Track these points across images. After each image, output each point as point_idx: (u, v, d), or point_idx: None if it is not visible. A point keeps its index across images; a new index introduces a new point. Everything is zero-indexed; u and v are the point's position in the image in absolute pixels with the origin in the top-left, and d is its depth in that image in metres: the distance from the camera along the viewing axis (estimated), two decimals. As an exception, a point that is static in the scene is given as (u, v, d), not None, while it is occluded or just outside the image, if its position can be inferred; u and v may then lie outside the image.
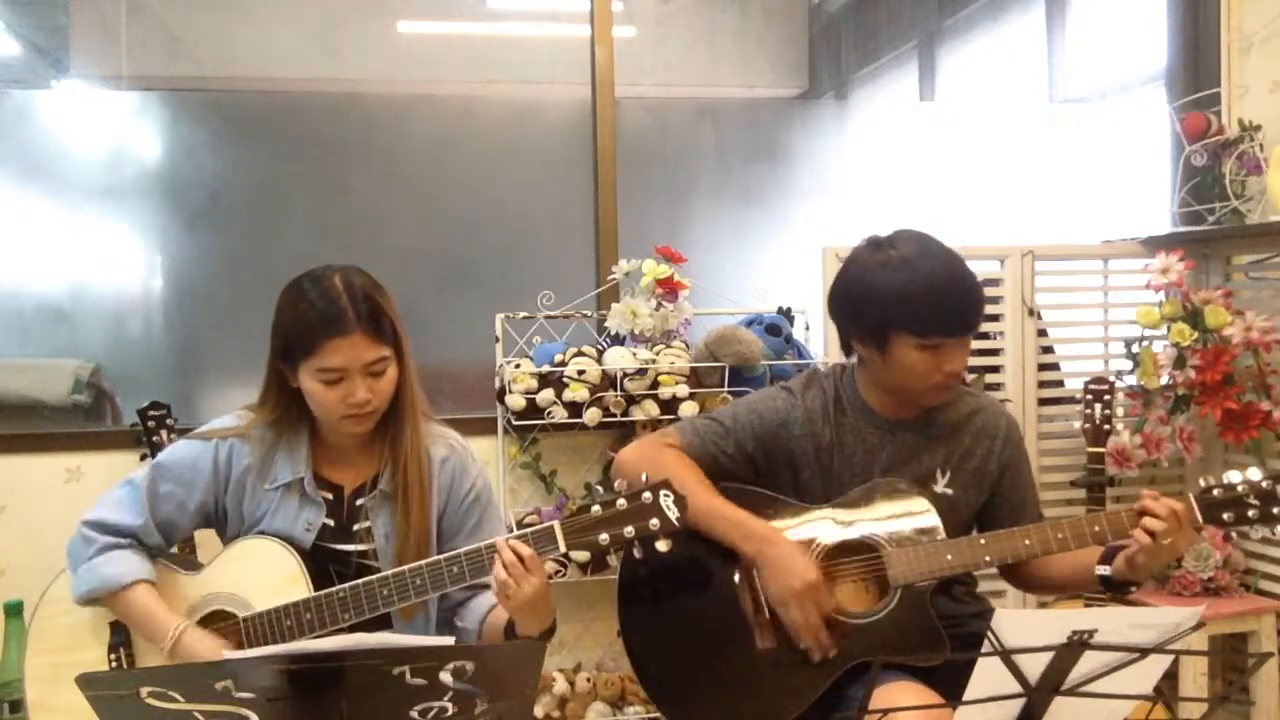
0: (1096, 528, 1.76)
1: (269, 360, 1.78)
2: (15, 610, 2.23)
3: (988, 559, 1.80)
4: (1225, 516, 1.71)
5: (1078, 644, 1.25)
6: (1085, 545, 1.78)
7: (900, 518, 1.84)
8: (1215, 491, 1.73)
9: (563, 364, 2.73)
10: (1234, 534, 2.82)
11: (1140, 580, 1.77)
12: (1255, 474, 1.72)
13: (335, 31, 3.36)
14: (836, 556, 1.86)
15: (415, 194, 3.23)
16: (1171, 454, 2.92)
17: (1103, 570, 1.78)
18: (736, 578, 1.86)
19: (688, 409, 2.71)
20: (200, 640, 1.70)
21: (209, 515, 1.84)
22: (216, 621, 1.76)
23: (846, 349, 1.93)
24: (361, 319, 1.69)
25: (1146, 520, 1.70)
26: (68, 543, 1.78)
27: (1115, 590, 1.81)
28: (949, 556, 1.80)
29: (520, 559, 1.62)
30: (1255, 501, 1.70)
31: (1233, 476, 1.72)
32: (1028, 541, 1.79)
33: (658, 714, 2.18)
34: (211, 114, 3.17)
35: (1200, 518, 1.72)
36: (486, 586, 1.78)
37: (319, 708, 1.17)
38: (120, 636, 1.77)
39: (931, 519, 1.83)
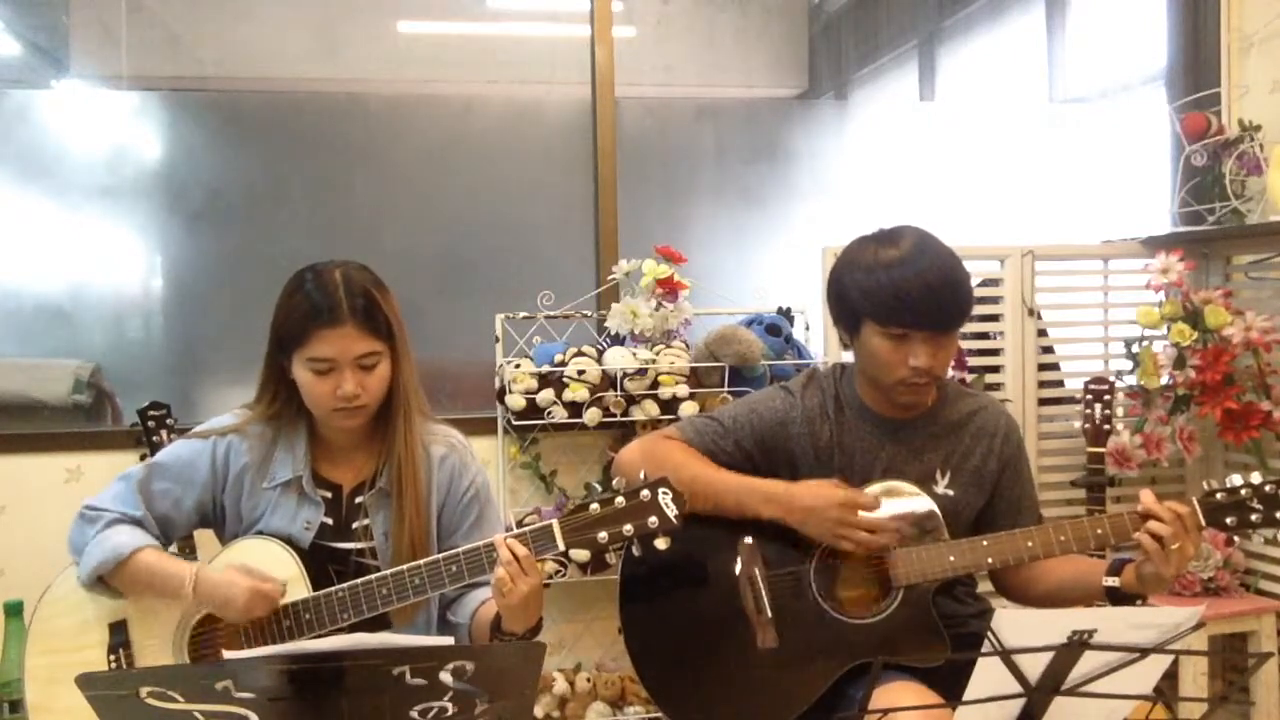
0: (1099, 530, 1.76)
1: (267, 351, 1.79)
2: (15, 610, 2.23)
3: (990, 560, 1.80)
4: (1228, 520, 1.71)
5: (1078, 644, 1.25)
6: (1088, 548, 1.77)
7: (902, 518, 1.84)
8: (1218, 495, 1.72)
9: (563, 364, 2.73)
10: (1235, 536, 2.83)
11: (1149, 593, 1.75)
12: (1257, 478, 1.71)
13: (335, 31, 3.36)
14: (839, 556, 1.86)
15: (415, 194, 3.23)
16: (1171, 454, 2.92)
17: (1110, 582, 1.76)
18: (738, 576, 1.86)
19: (688, 409, 2.71)
20: (216, 575, 1.69)
21: (207, 514, 1.85)
22: (215, 622, 1.76)
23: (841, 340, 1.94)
24: (355, 312, 1.70)
25: (1152, 524, 1.68)
26: (69, 532, 1.77)
27: (1121, 604, 1.79)
28: (951, 558, 1.80)
29: (516, 559, 1.62)
30: (1258, 505, 1.70)
31: (1235, 480, 1.72)
32: (1030, 543, 1.79)
33: (658, 714, 2.18)
34: (211, 114, 3.17)
35: (1203, 521, 1.71)
36: (481, 584, 1.79)
37: (319, 708, 1.17)
38: (119, 637, 1.77)
39: (934, 520, 1.83)
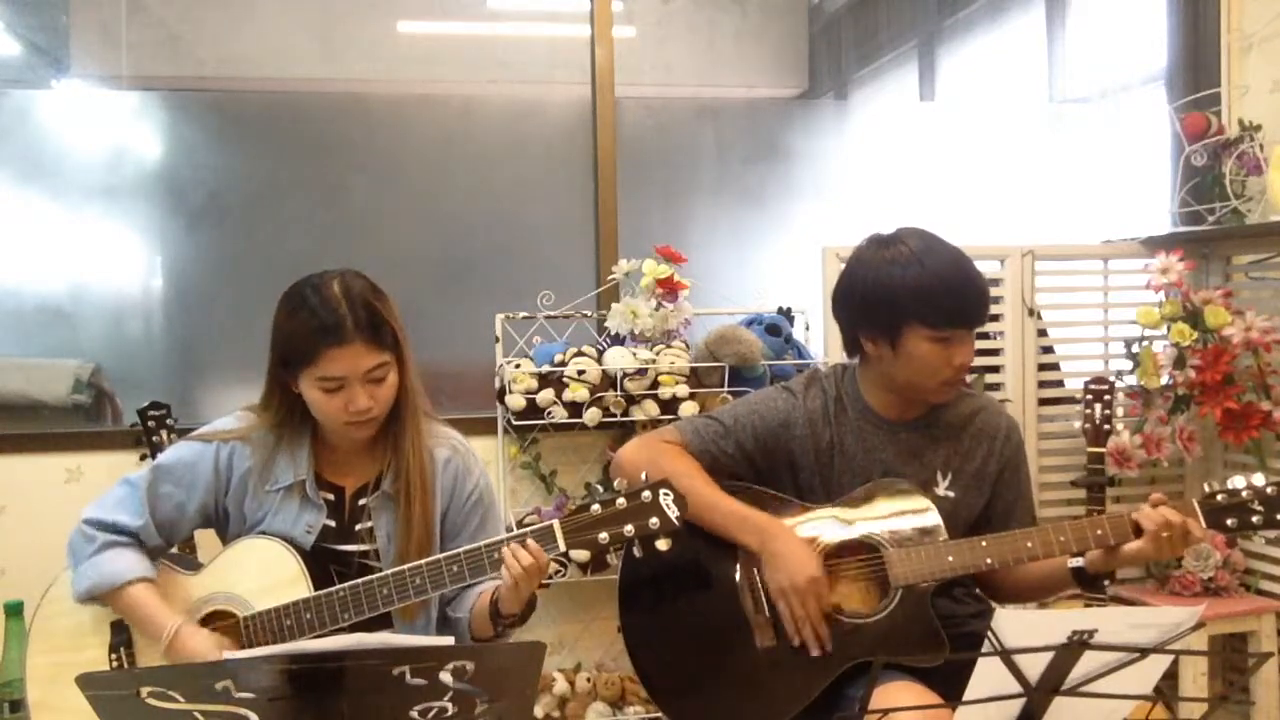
0: (1099, 531, 1.75)
1: (270, 367, 1.78)
2: (15, 610, 2.22)
3: (989, 561, 1.79)
4: (1229, 522, 1.71)
5: (1078, 644, 1.25)
6: (1088, 548, 1.77)
7: (902, 518, 1.84)
8: (1219, 497, 1.72)
9: (563, 364, 2.73)
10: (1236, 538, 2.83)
11: (1115, 569, 1.78)
12: (1259, 479, 1.72)
13: (335, 31, 3.36)
14: (838, 556, 1.86)
15: (415, 194, 3.23)
16: (1171, 454, 2.92)
17: (1075, 562, 1.78)
18: (738, 576, 1.86)
19: (688, 409, 2.71)
20: (197, 638, 1.70)
21: (209, 516, 1.84)
22: (216, 621, 1.76)
23: (851, 348, 1.92)
24: (360, 327, 1.69)
25: (1146, 511, 1.70)
26: (68, 538, 1.78)
27: (1088, 584, 1.81)
28: (950, 558, 1.80)
29: (522, 564, 1.63)
30: (1259, 507, 1.70)
31: (1236, 482, 1.72)
32: (1030, 544, 1.78)
33: (658, 714, 2.17)
34: (211, 114, 3.17)
35: (1204, 523, 1.71)
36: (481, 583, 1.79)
37: (319, 708, 1.17)
38: (121, 636, 1.77)
39: (933, 519, 1.83)
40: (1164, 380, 2.88)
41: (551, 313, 2.91)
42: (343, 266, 1.79)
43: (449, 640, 1.32)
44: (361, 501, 1.83)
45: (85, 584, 1.73)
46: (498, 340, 2.89)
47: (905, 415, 1.91)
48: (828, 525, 1.87)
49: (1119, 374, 3.01)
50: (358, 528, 1.82)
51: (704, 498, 1.84)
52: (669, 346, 2.79)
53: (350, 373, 1.69)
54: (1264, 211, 2.85)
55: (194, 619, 1.76)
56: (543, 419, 2.72)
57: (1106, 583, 1.81)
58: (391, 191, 3.21)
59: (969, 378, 2.93)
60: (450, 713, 1.20)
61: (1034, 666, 1.28)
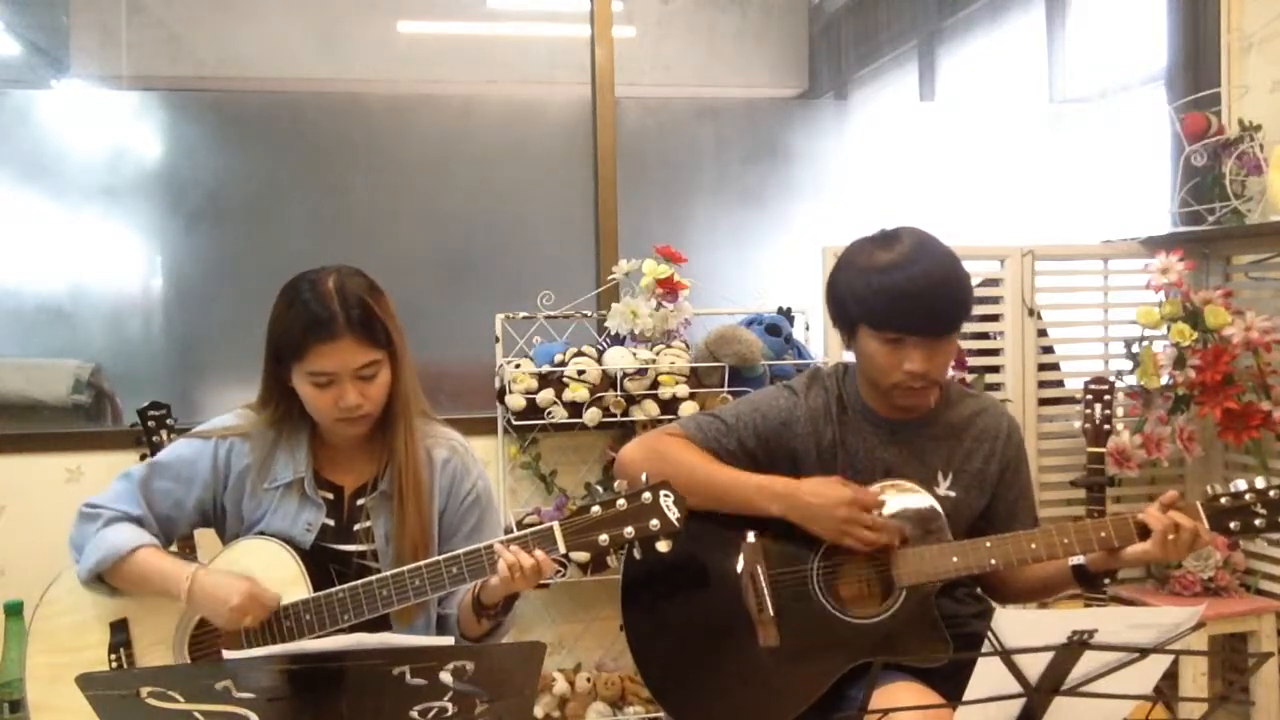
0: (1103, 533, 1.75)
1: (265, 362, 1.79)
2: (15, 610, 2.23)
3: (993, 561, 1.79)
4: (1232, 525, 1.71)
5: (1078, 644, 1.25)
6: (1091, 550, 1.76)
7: (905, 518, 1.84)
8: (1222, 500, 1.72)
9: (563, 364, 2.73)
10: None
11: (1118, 568, 1.77)
12: (1261, 482, 1.72)
13: (335, 31, 3.36)
14: (841, 555, 1.85)
15: (415, 194, 3.23)
16: (1171, 454, 2.92)
17: (1077, 560, 1.78)
18: (740, 574, 1.86)
19: (688, 409, 2.70)
20: (214, 576, 1.69)
21: (207, 513, 1.85)
22: (216, 621, 1.76)
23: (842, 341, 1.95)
24: (352, 324, 1.69)
25: (1151, 513, 1.70)
26: (70, 531, 1.77)
27: (1088, 582, 1.81)
28: (955, 559, 1.80)
29: (523, 568, 1.63)
30: (1262, 510, 1.70)
31: (1239, 485, 1.72)
32: (1034, 545, 1.78)
33: (658, 714, 2.17)
34: (211, 114, 3.17)
35: (1207, 524, 1.71)
36: None
37: (319, 708, 1.18)
38: (120, 636, 1.77)
39: (937, 520, 1.83)
40: (1164, 380, 2.88)
41: (551, 313, 2.91)
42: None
43: (449, 640, 1.32)
44: (360, 501, 1.83)
45: (92, 559, 1.70)
46: (498, 340, 2.89)
47: (903, 415, 1.91)
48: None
49: (1119, 374, 3.01)
50: (356, 528, 1.82)
51: (716, 476, 1.84)
52: (669, 346, 2.79)
53: (340, 369, 1.70)
54: (1264, 211, 2.85)
55: (193, 621, 1.77)
56: (543, 419, 2.72)
57: (1106, 582, 1.80)
58: (391, 191, 3.21)
59: (969, 377, 2.93)
60: (450, 713, 1.20)
61: (1034, 666, 1.28)
